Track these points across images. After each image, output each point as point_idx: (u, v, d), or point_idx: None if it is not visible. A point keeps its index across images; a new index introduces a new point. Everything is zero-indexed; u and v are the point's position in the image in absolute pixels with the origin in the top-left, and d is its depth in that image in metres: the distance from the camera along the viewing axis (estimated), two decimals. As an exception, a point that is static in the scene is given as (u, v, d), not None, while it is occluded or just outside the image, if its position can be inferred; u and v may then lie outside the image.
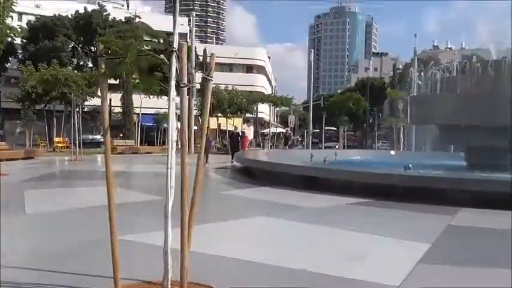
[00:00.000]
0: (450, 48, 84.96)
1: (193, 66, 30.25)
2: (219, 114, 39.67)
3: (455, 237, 6.88)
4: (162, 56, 4.01)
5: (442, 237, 6.66)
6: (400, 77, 51.12)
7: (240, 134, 31.69)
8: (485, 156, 14.53)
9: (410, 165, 11.75)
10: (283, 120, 79.60)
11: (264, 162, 14.67)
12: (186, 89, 3.87)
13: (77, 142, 20.20)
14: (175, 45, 3.95)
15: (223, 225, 7.37)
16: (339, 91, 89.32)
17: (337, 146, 40.36)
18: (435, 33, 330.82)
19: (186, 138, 4.04)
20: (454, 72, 17.38)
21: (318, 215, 8.48)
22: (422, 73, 21.22)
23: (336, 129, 53.16)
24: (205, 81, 4.61)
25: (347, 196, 10.08)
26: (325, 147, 38.85)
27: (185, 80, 3.83)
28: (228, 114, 38.52)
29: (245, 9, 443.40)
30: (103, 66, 4.00)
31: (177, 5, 4.08)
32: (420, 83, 24.00)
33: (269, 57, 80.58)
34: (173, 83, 3.90)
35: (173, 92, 3.91)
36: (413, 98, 19.31)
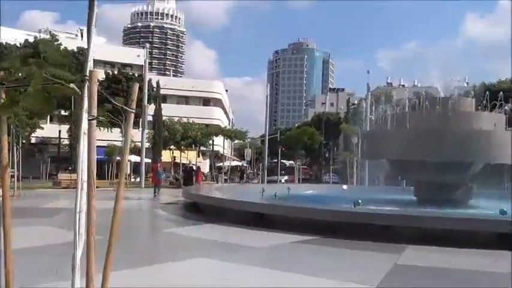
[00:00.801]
0: (403, 86, 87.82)
1: (146, 97, 29.73)
2: (173, 147, 39.00)
3: (401, 278, 6.67)
4: (72, 85, 3.62)
5: (388, 278, 6.43)
6: (354, 112, 52.45)
7: (194, 168, 31.26)
8: (433, 191, 14.73)
9: (360, 201, 11.64)
10: (240, 153, 79.43)
11: (211, 197, 14.26)
12: (94, 122, 3.48)
13: (15, 177, 19.09)
14: (87, 72, 3.57)
15: (157, 268, 6.89)
16: (296, 125, 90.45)
17: (282, 180, 40.49)
18: (389, 71, 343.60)
19: (95, 177, 3.62)
20: (404, 108, 17.59)
21: (261, 255, 8.13)
22: (373, 108, 21.66)
23: (291, 162, 53.48)
24: (126, 113, 4.24)
25: (294, 233, 9.81)
26: (271, 182, 38.67)
27: (94, 112, 3.44)
28: (182, 147, 37.92)
29: (205, 44, 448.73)
30: (3, 96, 3.56)
31: (92, 27, 3.74)
32: (373, 118, 24.50)
33: (226, 90, 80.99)
34: (85, 115, 3.50)
35: (85, 124, 3.51)
36: (364, 133, 19.51)
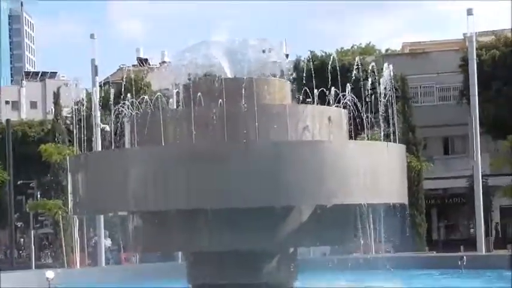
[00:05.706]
0: (163, 63, 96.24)
1: None
2: None
3: None
4: None
5: None
6: (73, 116, 52.80)
7: None
8: (223, 268, 14.88)
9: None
10: None
11: None
12: None
13: None
14: None
15: None
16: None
17: None
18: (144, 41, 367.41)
19: None
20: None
21: None
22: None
23: None
24: None
25: None
26: None
27: None
28: None
29: None
30: None
31: None
32: (107, 128, 24.88)
33: None
34: None
35: None
36: (75, 161, 19.10)
